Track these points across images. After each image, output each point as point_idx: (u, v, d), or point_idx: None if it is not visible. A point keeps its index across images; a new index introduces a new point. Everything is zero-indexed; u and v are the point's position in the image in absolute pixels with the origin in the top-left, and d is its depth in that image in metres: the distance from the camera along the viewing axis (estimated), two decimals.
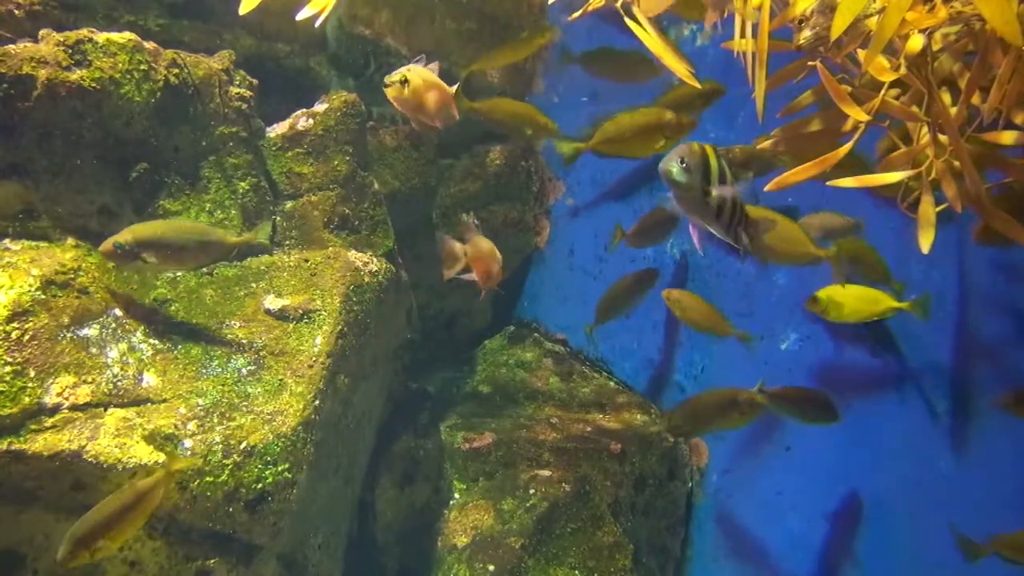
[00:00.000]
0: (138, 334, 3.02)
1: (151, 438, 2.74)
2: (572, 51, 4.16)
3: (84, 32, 3.11)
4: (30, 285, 2.81)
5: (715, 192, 2.46)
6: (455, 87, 3.13)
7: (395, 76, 2.94)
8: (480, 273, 3.27)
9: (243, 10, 2.82)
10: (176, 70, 3.30)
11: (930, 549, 3.73)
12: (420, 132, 4.40)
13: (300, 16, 2.76)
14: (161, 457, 2.72)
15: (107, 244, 2.85)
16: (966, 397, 3.55)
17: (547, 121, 3.97)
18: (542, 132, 4.00)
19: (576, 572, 3.69)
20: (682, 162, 2.43)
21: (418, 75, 2.96)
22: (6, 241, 3.00)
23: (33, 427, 2.64)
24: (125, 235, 2.86)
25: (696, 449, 4.43)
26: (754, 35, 2.37)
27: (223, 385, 3.00)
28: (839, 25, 2.04)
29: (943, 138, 2.32)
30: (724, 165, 2.50)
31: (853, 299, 3.45)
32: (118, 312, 3.02)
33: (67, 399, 2.73)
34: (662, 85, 3.85)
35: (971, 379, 3.62)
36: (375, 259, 3.66)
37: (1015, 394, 3.37)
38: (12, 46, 3.00)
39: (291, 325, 3.27)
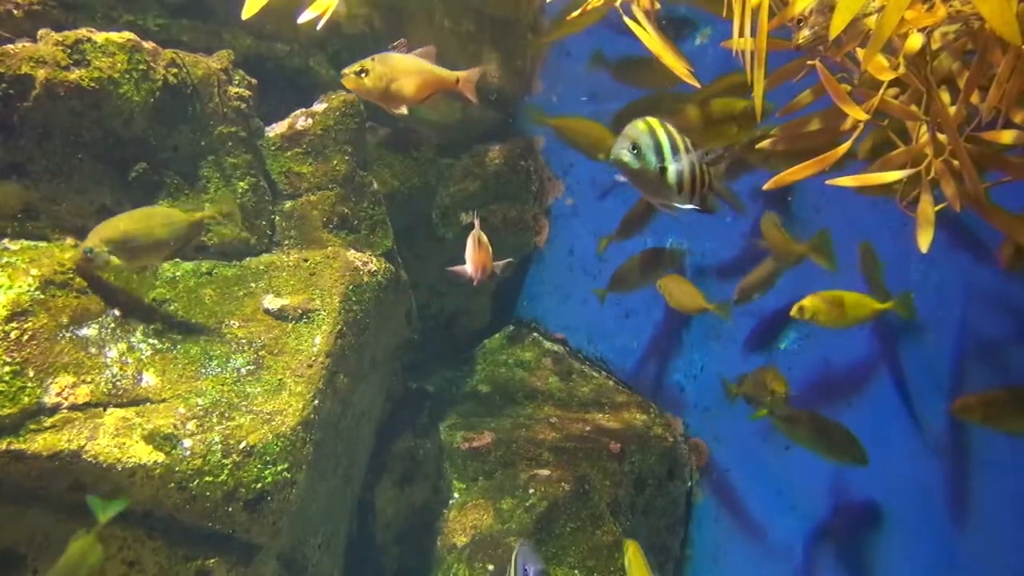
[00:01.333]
0: (137, 334, 3.02)
1: (150, 438, 2.74)
2: (605, 56, 4.13)
3: (83, 32, 3.10)
4: (29, 285, 2.81)
5: (672, 168, 2.41)
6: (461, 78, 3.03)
7: (353, 67, 2.91)
8: (473, 265, 3.24)
9: (246, 15, 2.81)
10: (175, 70, 3.30)
11: (930, 548, 3.73)
12: (418, 132, 4.41)
13: (302, 19, 2.75)
14: (161, 456, 2.72)
15: (77, 254, 2.83)
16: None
17: None
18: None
19: (576, 571, 3.69)
20: (632, 148, 2.38)
21: (385, 63, 2.90)
22: (5, 241, 2.99)
23: (32, 427, 2.64)
24: (92, 239, 2.83)
25: (696, 449, 4.43)
26: (753, 34, 2.37)
27: (222, 385, 3.00)
28: (838, 24, 2.04)
29: (942, 137, 2.32)
30: (675, 135, 2.43)
31: (837, 305, 3.46)
32: (117, 312, 3.02)
33: (66, 399, 2.73)
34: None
35: (971, 378, 3.62)
36: (374, 259, 3.65)
37: (978, 398, 3.40)
38: (11, 46, 3.00)
39: (290, 325, 3.27)
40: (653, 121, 2.46)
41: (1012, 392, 3.41)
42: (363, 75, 2.85)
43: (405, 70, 2.92)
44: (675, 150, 2.43)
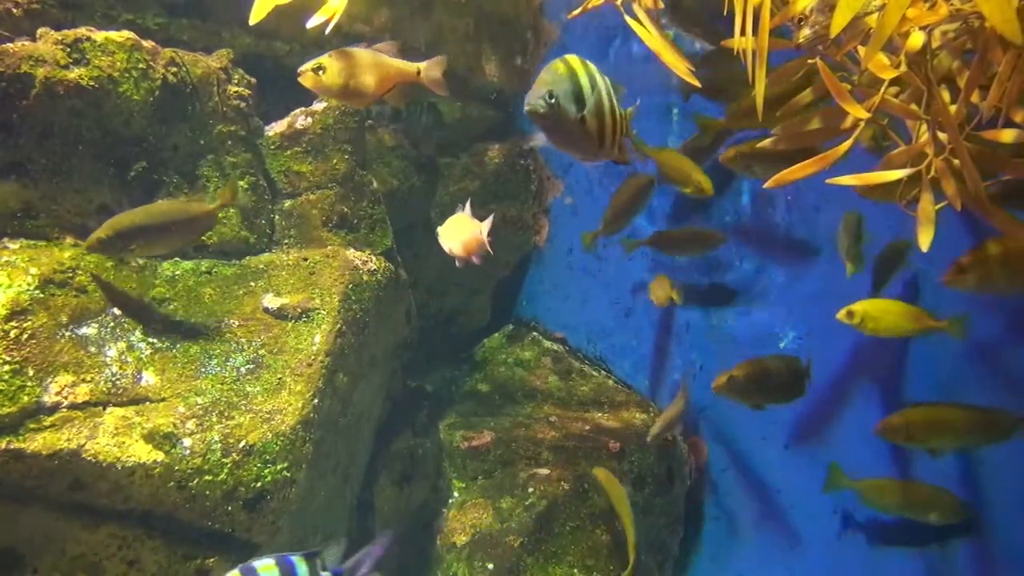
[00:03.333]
0: (137, 333, 3.02)
1: (150, 437, 2.74)
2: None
3: (82, 31, 3.10)
4: (29, 284, 2.80)
5: (592, 118, 2.17)
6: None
7: (310, 64, 2.81)
8: (460, 246, 3.17)
9: (253, 20, 2.79)
10: (174, 69, 3.30)
11: (929, 546, 3.73)
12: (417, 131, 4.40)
13: (310, 24, 2.74)
14: (160, 455, 2.72)
15: (90, 240, 2.82)
16: (966, 396, 3.54)
17: (702, 179, 3.84)
18: (696, 190, 3.86)
19: (575, 570, 3.69)
20: (550, 96, 2.11)
21: (342, 58, 2.81)
22: (4, 240, 2.99)
23: (32, 426, 2.64)
24: (105, 230, 2.82)
25: (695, 448, 4.43)
26: (754, 33, 2.37)
27: (222, 384, 3.00)
28: (839, 23, 2.04)
29: (943, 136, 2.32)
30: (597, 75, 2.20)
31: (890, 314, 3.41)
32: (116, 311, 3.02)
33: (66, 398, 2.73)
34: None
35: (971, 378, 3.62)
36: (374, 258, 3.65)
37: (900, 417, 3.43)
38: (10, 45, 3.00)
39: (290, 324, 3.26)
40: (574, 61, 2.19)
41: (930, 409, 3.44)
42: (321, 72, 2.76)
43: (364, 64, 2.84)
44: (594, 93, 2.17)
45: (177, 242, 3.10)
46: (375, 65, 2.87)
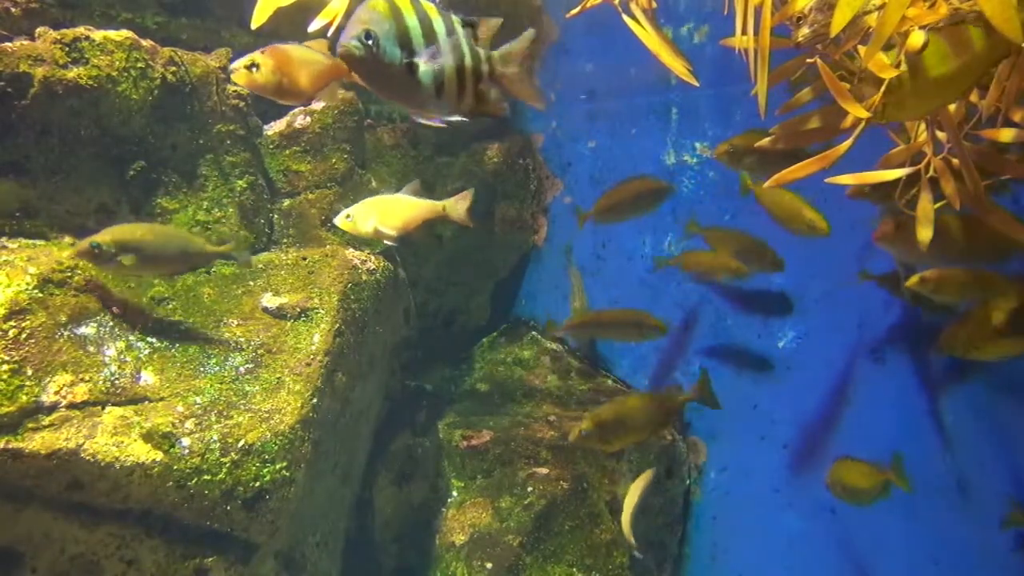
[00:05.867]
0: (135, 332, 3.02)
1: (149, 436, 2.73)
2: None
3: (81, 30, 3.10)
4: (27, 283, 2.80)
5: (423, 63, 1.82)
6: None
7: (242, 61, 2.72)
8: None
9: (255, 24, 2.78)
10: (173, 68, 3.30)
11: (928, 545, 3.73)
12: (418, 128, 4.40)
13: (312, 27, 2.73)
14: (159, 455, 2.71)
15: (84, 244, 2.81)
16: (966, 395, 3.55)
17: (815, 217, 3.49)
18: (811, 230, 3.54)
19: (574, 570, 3.69)
20: (367, 36, 1.75)
21: (276, 55, 2.74)
22: (3, 239, 2.99)
23: (31, 425, 2.64)
24: (104, 236, 2.82)
25: (694, 447, 4.43)
26: (755, 32, 2.37)
27: (221, 383, 3.00)
28: (839, 21, 2.03)
29: (941, 135, 2.32)
30: (434, 14, 1.84)
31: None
32: (115, 310, 3.01)
33: (64, 397, 2.72)
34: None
35: (972, 377, 3.62)
36: (373, 257, 3.65)
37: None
38: (8, 44, 2.99)
39: (289, 323, 3.26)
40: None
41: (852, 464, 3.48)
42: (254, 69, 2.70)
43: (298, 61, 2.77)
44: (430, 37, 1.81)
45: (165, 270, 3.08)
46: (309, 62, 2.79)
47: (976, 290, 3.13)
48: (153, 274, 3.13)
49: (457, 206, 3.28)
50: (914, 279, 3.15)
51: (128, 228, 2.91)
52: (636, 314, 4.16)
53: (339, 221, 3.11)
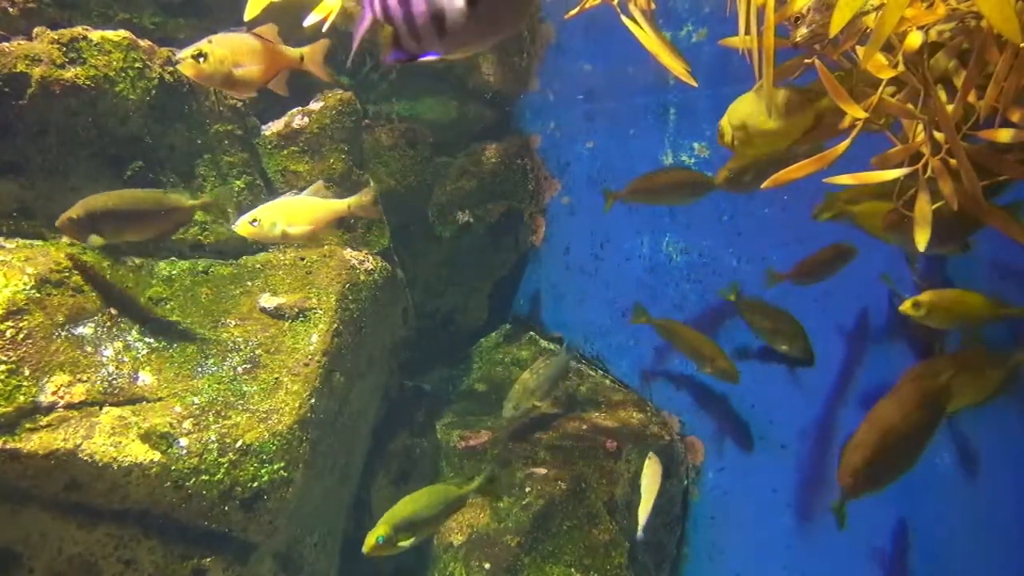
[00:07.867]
0: (133, 333, 3.02)
1: (147, 437, 2.73)
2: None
3: (79, 30, 3.10)
4: (25, 283, 2.80)
5: None
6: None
7: (188, 51, 2.64)
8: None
9: (248, 16, 2.76)
10: (171, 68, 3.30)
11: (927, 544, 3.74)
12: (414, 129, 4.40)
13: (307, 22, 2.72)
14: (157, 455, 2.71)
15: (61, 218, 2.78)
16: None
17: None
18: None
19: (572, 570, 3.68)
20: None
21: (224, 45, 2.68)
22: (0, 239, 2.98)
23: (28, 426, 2.63)
24: (76, 208, 2.77)
25: (692, 447, 4.43)
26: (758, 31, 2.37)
27: (218, 383, 2.99)
28: (838, 22, 2.03)
29: (939, 135, 2.32)
30: None
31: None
32: (113, 310, 3.01)
33: (62, 398, 2.72)
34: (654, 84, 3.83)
35: None
36: (371, 257, 3.65)
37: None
38: (6, 44, 2.99)
39: (287, 323, 3.26)
40: None
41: None
42: (201, 59, 2.59)
43: (245, 51, 2.68)
44: None
45: (149, 232, 2.98)
46: (257, 52, 2.74)
47: (966, 318, 3.20)
48: (138, 237, 3.02)
49: (362, 201, 3.13)
50: (907, 304, 3.19)
51: (100, 196, 2.84)
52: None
53: (240, 227, 2.86)
